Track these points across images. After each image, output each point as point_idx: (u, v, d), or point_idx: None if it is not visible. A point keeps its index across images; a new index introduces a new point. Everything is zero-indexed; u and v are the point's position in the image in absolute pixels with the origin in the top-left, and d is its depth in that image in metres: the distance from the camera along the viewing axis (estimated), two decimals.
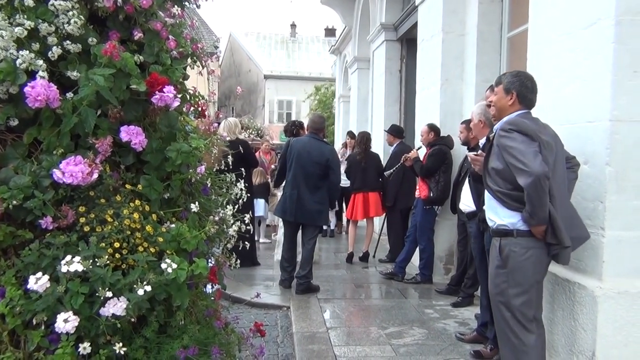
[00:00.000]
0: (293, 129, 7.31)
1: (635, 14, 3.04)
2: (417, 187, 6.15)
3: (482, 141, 4.16)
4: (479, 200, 3.95)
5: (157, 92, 2.06)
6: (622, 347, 3.06)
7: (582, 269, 3.26)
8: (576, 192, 3.32)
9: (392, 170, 6.83)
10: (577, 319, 3.22)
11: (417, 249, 6.25)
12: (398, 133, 7.45)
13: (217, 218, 2.52)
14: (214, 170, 2.86)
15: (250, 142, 8.52)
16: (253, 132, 17.98)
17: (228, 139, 5.39)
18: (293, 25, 37.02)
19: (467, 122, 4.99)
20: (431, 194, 5.89)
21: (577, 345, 3.21)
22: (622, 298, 3.06)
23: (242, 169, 3.31)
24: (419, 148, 6.31)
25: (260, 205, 8.43)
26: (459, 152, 5.84)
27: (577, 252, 3.29)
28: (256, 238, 8.32)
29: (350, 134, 10.12)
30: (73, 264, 1.78)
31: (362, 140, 7.53)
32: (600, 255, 3.12)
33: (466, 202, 4.53)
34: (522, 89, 3.02)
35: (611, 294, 3.06)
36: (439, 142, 6.00)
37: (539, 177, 2.72)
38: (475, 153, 3.69)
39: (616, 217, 3.10)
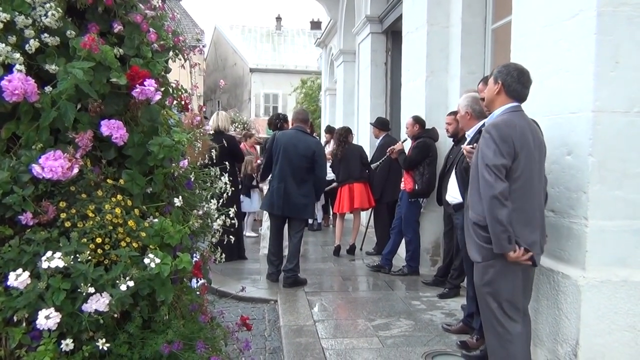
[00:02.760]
0: (277, 122, 7.28)
1: (616, 5, 3.06)
2: (403, 180, 6.16)
3: (469, 132, 4.18)
4: (465, 192, 3.97)
5: (138, 85, 2.03)
6: (605, 335, 3.10)
7: (566, 258, 3.29)
8: (559, 183, 3.36)
9: (378, 163, 6.85)
10: (561, 308, 3.25)
11: (403, 241, 6.28)
12: (384, 126, 7.47)
13: (201, 212, 2.50)
14: (199, 164, 2.84)
15: (239, 137, 8.50)
16: (239, 126, 17.90)
17: (212, 131, 5.36)
18: (278, 18, 36.82)
19: (455, 114, 5.00)
20: (416, 187, 5.90)
21: (561, 334, 3.25)
22: (605, 287, 3.09)
23: (227, 163, 3.29)
24: (404, 140, 6.32)
25: (249, 200, 8.38)
26: (445, 144, 5.86)
27: (561, 242, 3.33)
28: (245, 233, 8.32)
29: (327, 128, 10.09)
30: (54, 260, 1.76)
31: (339, 137, 7.57)
32: (583, 245, 3.15)
33: (453, 194, 4.54)
34: (507, 78, 3.01)
35: (594, 283, 3.09)
36: (423, 135, 6.01)
37: (494, 195, 2.78)
38: (471, 146, 3.70)
39: (599, 207, 3.13)
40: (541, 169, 3.02)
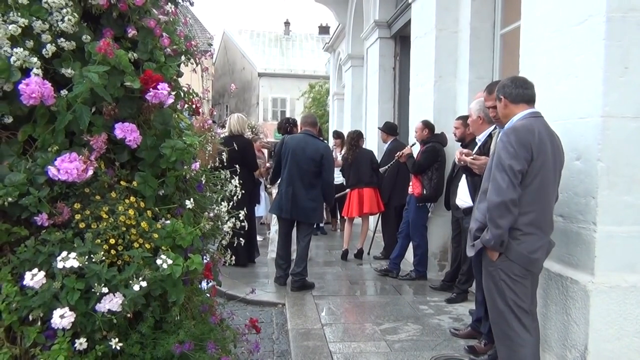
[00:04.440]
0: (287, 126, 7.30)
1: (626, 11, 3.07)
2: (411, 184, 6.17)
3: (479, 137, 4.18)
4: (476, 195, 3.97)
5: (151, 89, 2.07)
6: (614, 340, 3.09)
7: (575, 263, 3.29)
8: (568, 188, 3.35)
9: (386, 167, 6.85)
10: (569, 313, 3.25)
11: (411, 245, 6.28)
12: (392, 130, 7.48)
13: (211, 215, 2.53)
14: (210, 167, 2.87)
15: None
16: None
17: (224, 134, 5.37)
18: (287, 23, 36.97)
19: (463, 118, 5.00)
20: (424, 191, 5.90)
21: (569, 340, 3.24)
22: (613, 292, 3.09)
23: (237, 166, 3.31)
24: (413, 145, 6.33)
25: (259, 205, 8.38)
26: (453, 149, 5.86)
27: (569, 247, 3.33)
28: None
29: (335, 134, 10.10)
30: (69, 260, 1.79)
31: (350, 141, 7.59)
32: (592, 250, 3.15)
33: (463, 198, 4.52)
34: (504, 89, 3.09)
35: (603, 288, 3.08)
36: (432, 140, 6.01)
37: (504, 201, 2.79)
38: (472, 157, 3.70)
39: (607, 212, 3.12)
40: (556, 176, 3.02)
